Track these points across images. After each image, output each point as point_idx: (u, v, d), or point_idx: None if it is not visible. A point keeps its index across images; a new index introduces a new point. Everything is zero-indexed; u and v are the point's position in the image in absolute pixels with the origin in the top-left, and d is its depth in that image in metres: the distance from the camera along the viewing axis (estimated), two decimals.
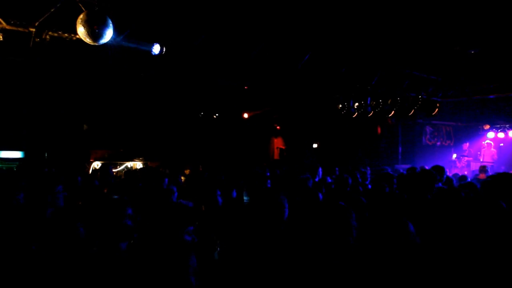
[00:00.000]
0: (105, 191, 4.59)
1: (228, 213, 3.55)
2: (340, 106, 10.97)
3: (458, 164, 12.33)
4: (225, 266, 2.54)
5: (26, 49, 4.96)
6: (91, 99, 10.80)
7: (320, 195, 3.81)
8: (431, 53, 7.37)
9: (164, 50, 5.75)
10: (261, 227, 2.61)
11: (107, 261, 2.21)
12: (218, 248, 2.63)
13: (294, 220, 2.73)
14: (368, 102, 10.22)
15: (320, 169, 6.36)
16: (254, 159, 12.60)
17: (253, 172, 6.17)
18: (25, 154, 9.94)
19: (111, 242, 2.31)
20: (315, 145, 14.70)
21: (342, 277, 2.05)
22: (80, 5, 4.32)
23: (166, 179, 4.93)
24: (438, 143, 13.53)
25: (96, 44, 4.39)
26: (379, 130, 13.09)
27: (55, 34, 4.92)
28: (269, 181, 5.71)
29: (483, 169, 8.25)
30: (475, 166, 11.38)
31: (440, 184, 4.28)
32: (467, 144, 12.88)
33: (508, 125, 12.46)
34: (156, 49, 5.70)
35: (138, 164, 11.35)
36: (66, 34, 4.93)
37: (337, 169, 7.10)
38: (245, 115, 14.17)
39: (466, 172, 9.39)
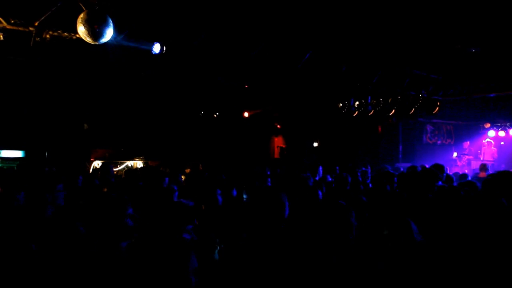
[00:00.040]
0: (105, 190, 4.59)
1: (228, 212, 3.55)
2: (341, 105, 10.97)
3: (458, 163, 12.32)
4: (225, 265, 2.55)
5: (26, 48, 4.96)
6: (91, 99, 10.80)
7: (320, 194, 3.81)
8: (432, 51, 7.36)
9: (164, 49, 5.75)
10: (262, 226, 2.61)
11: (107, 261, 2.21)
12: (218, 247, 2.64)
13: (294, 218, 2.73)
14: (369, 101, 10.21)
15: (321, 168, 6.37)
16: (254, 158, 12.60)
17: (253, 171, 6.17)
18: (26, 153, 9.96)
19: (111, 241, 2.32)
20: (315, 144, 14.69)
21: (342, 275, 2.06)
22: (81, 4, 4.32)
23: (167, 179, 4.94)
24: (439, 142, 13.52)
25: (96, 43, 4.39)
26: (379, 129, 13.08)
27: (56, 34, 4.92)
28: (269, 179, 5.72)
29: (483, 167, 8.24)
30: (475, 165, 11.37)
31: (440, 183, 4.28)
32: (468, 142, 12.87)
33: (508, 124, 12.45)
34: (156, 48, 5.70)
35: (139, 163, 11.36)
36: (66, 34, 4.93)
37: (337, 168, 7.10)
38: (246, 114, 14.17)
39: (466, 171, 9.37)
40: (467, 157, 12.39)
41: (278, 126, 15.94)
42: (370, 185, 5.99)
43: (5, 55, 5.45)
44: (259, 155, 14.35)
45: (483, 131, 13.00)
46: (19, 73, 7.94)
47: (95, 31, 4.24)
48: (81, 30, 4.25)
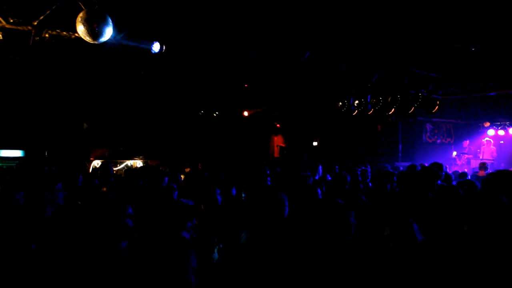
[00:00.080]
0: (104, 189, 4.58)
1: (227, 211, 3.55)
2: (340, 104, 10.95)
3: (458, 162, 12.33)
4: (224, 264, 2.55)
5: (26, 48, 4.95)
6: (91, 98, 10.79)
7: (319, 193, 3.81)
8: (431, 50, 7.35)
9: (164, 48, 5.74)
10: (261, 225, 2.61)
11: (107, 260, 2.21)
12: (217, 247, 2.64)
13: (294, 217, 2.73)
14: (368, 99, 10.20)
15: (320, 167, 6.36)
16: (254, 157, 12.60)
17: (252, 171, 6.17)
18: (25, 153, 9.95)
19: (111, 241, 2.32)
20: (315, 143, 14.69)
21: (342, 275, 2.05)
22: (80, 3, 4.31)
23: (166, 178, 4.94)
24: (438, 141, 13.52)
25: (96, 42, 4.38)
26: (379, 127, 13.08)
27: (55, 33, 4.91)
28: (268, 178, 5.71)
29: (482, 166, 8.25)
30: (475, 164, 11.37)
31: (439, 182, 4.28)
32: (467, 141, 12.88)
33: (508, 122, 12.45)
34: (156, 47, 5.69)
35: (138, 163, 11.35)
36: (65, 33, 4.92)
37: (336, 167, 7.10)
38: (245, 113, 14.16)
39: (466, 170, 9.38)
40: (466, 156, 12.40)
41: (278, 125, 15.93)
42: (370, 184, 5.99)
43: (5, 54, 5.44)
44: (259, 154, 14.35)
45: (482, 130, 13.00)
46: (19, 72, 7.92)
47: (95, 30, 4.24)
48: (81, 29, 4.24)
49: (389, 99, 9.77)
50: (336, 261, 2.09)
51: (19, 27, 4.70)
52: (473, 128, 13.41)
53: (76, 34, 4.48)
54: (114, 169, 9.92)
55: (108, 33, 4.36)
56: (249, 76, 8.79)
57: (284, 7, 5.42)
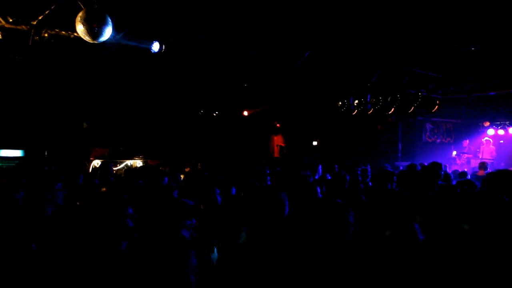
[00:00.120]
0: (104, 190, 4.58)
1: (227, 211, 3.55)
2: (340, 103, 10.96)
3: (458, 161, 12.33)
4: (224, 264, 2.55)
5: (25, 47, 4.95)
6: (90, 97, 10.78)
7: (319, 191, 3.81)
8: (431, 50, 7.35)
9: (163, 48, 5.74)
10: (262, 224, 2.61)
11: (107, 260, 2.21)
12: (216, 247, 2.63)
13: (293, 217, 2.73)
14: (368, 99, 10.21)
15: (320, 166, 6.36)
16: (254, 157, 12.60)
17: (252, 170, 6.17)
18: (25, 152, 9.95)
19: (111, 241, 2.31)
20: (315, 143, 14.69)
21: (341, 274, 2.06)
22: (79, 3, 4.31)
23: (166, 178, 4.93)
24: (438, 140, 13.53)
25: (95, 42, 4.38)
26: (379, 127, 13.08)
27: (54, 32, 4.91)
28: (268, 178, 5.71)
29: (482, 165, 8.24)
30: (475, 163, 11.37)
31: (439, 181, 4.28)
32: (467, 141, 12.88)
33: (508, 122, 12.44)
34: (155, 47, 5.68)
35: (138, 162, 11.35)
36: (64, 32, 4.92)
37: (336, 166, 7.10)
38: (245, 113, 14.16)
39: (466, 169, 9.38)
40: (466, 155, 12.40)
41: (278, 125, 15.93)
42: (370, 183, 5.99)
43: (4, 54, 5.43)
44: (258, 154, 14.35)
45: (482, 130, 13.00)
46: (18, 72, 7.92)
47: (94, 30, 4.23)
48: (80, 29, 4.24)
49: (389, 98, 9.78)
50: (335, 260, 2.09)
51: (18, 27, 4.70)
52: (472, 127, 13.41)
53: (76, 34, 4.47)
54: (114, 168, 9.92)
55: (107, 32, 4.36)
56: (249, 75, 8.79)
57: (284, 6, 5.42)
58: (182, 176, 6.20)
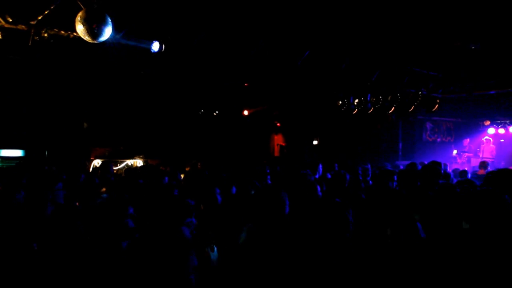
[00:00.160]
0: (104, 190, 4.58)
1: (227, 210, 3.55)
2: (340, 102, 10.95)
3: (458, 160, 12.32)
4: (224, 263, 2.55)
5: (25, 47, 4.95)
6: (91, 97, 10.79)
7: (319, 190, 3.81)
8: (431, 49, 7.34)
9: (163, 48, 5.74)
10: (262, 224, 2.61)
11: (108, 260, 2.21)
12: (216, 247, 2.64)
13: (294, 216, 2.73)
14: (368, 98, 10.20)
15: (321, 165, 6.35)
16: (254, 156, 12.60)
17: (253, 170, 6.17)
18: (26, 152, 9.96)
19: (112, 240, 2.32)
20: (315, 142, 14.69)
21: (340, 272, 2.06)
22: (79, 2, 4.30)
23: (166, 177, 4.94)
24: (439, 139, 13.52)
25: (95, 42, 4.37)
26: (379, 126, 13.08)
27: (54, 32, 4.91)
28: (269, 177, 5.71)
29: (482, 165, 8.24)
30: (475, 162, 11.37)
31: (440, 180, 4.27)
32: (468, 140, 12.87)
33: (508, 121, 12.44)
34: (155, 46, 5.68)
35: (139, 162, 11.36)
36: (63, 32, 4.92)
37: (336, 165, 7.09)
38: (245, 112, 14.16)
39: (466, 168, 9.38)
40: (467, 154, 12.39)
41: (278, 124, 15.94)
42: (370, 182, 5.99)
43: (4, 54, 5.44)
44: (259, 153, 14.36)
45: (483, 129, 12.99)
46: (18, 72, 7.92)
47: (94, 30, 4.23)
48: (80, 29, 4.24)
49: (389, 98, 9.77)
50: (334, 259, 2.09)
51: (18, 27, 4.70)
52: (473, 126, 13.40)
53: (75, 34, 4.47)
54: (114, 168, 9.92)
55: (107, 32, 4.36)
56: (249, 75, 8.79)
57: (284, 6, 5.41)
58: (182, 176, 6.20)
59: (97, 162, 10.28)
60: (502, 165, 11.38)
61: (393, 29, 6.28)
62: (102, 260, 2.23)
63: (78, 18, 4.20)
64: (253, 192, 4.12)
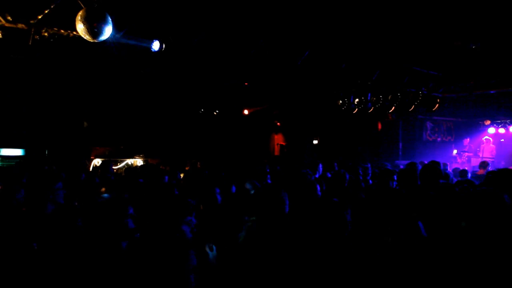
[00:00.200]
0: (103, 190, 4.58)
1: (227, 210, 3.55)
2: (340, 102, 10.95)
3: (458, 160, 12.32)
4: (223, 263, 2.55)
5: (25, 46, 4.94)
6: (91, 96, 10.79)
7: (319, 190, 3.81)
8: (432, 48, 7.34)
9: (163, 47, 5.74)
10: (261, 223, 2.62)
11: (108, 260, 2.21)
12: (216, 246, 2.64)
13: (293, 216, 2.74)
14: (369, 98, 10.20)
15: (321, 165, 6.35)
16: (254, 156, 12.60)
17: (253, 169, 6.17)
18: (26, 151, 9.96)
19: (111, 240, 2.32)
20: (315, 142, 14.69)
21: (338, 271, 2.06)
22: (79, 2, 4.30)
23: (166, 177, 4.94)
24: (439, 139, 13.51)
25: (95, 41, 4.37)
26: (379, 126, 13.07)
27: (54, 31, 4.91)
28: (269, 176, 5.71)
29: (482, 165, 8.24)
30: (475, 162, 11.37)
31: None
32: (468, 139, 12.87)
33: (509, 121, 12.43)
34: (155, 45, 5.68)
35: (139, 161, 11.36)
36: (63, 31, 4.92)
37: (335, 164, 7.10)
38: (245, 112, 14.16)
39: (466, 168, 9.38)
40: (467, 154, 12.39)
41: (278, 123, 15.93)
42: (370, 181, 6.00)
43: (4, 53, 5.43)
44: (259, 152, 14.36)
45: (483, 128, 12.98)
46: (18, 71, 7.92)
47: (94, 29, 4.23)
48: (80, 28, 4.23)
49: (389, 97, 9.77)
50: (333, 258, 2.10)
51: (18, 26, 4.70)
52: (473, 126, 13.39)
53: (76, 33, 4.47)
54: (115, 167, 9.93)
55: (107, 31, 4.35)
56: (249, 74, 8.79)
57: (284, 5, 5.41)
58: (182, 175, 6.21)
59: (97, 161, 10.29)
60: (502, 165, 11.37)
61: (393, 28, 6.28)
62: (102, 260, 2.23)
63: (78, 17, 4.20)
64: (252, 192, 4.12)
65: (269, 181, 5.64)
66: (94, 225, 2.40)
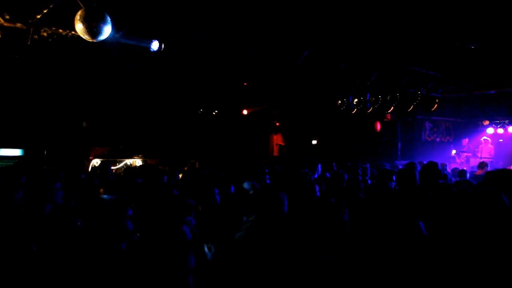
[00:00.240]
0: (101, 191, 4.57)
1: (226, 210, 3.55)
2: (340, 102, 10.96)
3: (457, 160, 12.34)
4: (222, 263, 2.55)
5: (24, 46, 4.94)
6: (90, 96, 10.78)
7: (318, 190, 3.81)
8: (431, 48, 7.35)
9: (163, 47, 5.73)
10: (260, 223, 2.62)
11: (106, 261, 2.21)
12: (214, 247, 2.64)
13: (292, 215, 2.74)
14: (368, 98, 10.21)
15: (320, 165, 6.35)
16: (253, 156, 12.60)
17: (252, 169, 6.16)
18: (25, 151, 9.94)
19: (110, 242, 2.31)
20: (314, 142, 14.70)
21: (336, 271, 2.06)
22: (79, 1, 4.30)
23: (166, 177, 4.93)
24: (438, 139, 13.53)
25: (94, 41, 4.37)
26: (378, 126, 13.08)
27: (53, 31, 4.90)
28: (267, 176, 5.71)
29: (481, 165, 8.25)
30: (474, 162, 11.39)
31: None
32: (467, 140, 12.88)
33: (507, 121, 12.44)
34: (155, 45, 5.67)
35: (138, 162, 11.35)
36: (62, 30, 4.91)
37: (334, 164, 7.10)
38: (245, 112, 14.16)
39: (465, 168, 9.40)
40: (465, 154, 12.40)
41: (277, 124, 15.94)
42: (369, 181, 6.00)
43: (3, 53, 5.42)
44: (258, 153, 14.36)
45: (481, 129, 13.00)
46: (17, 71, 7.91)
47: (93, 29, 4.22)
48: (79, 28, 4.23)
49: (388, 97, 9.78)
50: (330, 258, 2.10)
51: (17, 26, 4.69)
52: (472, 126, 13.41)
53: (75, 33, 4.46)
54: (113, 168, 9.92)
55: (106, 31, 4.35)
56: (248, 74, 8.79)
57: (283, 5, 5.41)
58: (180, 175, 6.20)
59: (96, 162, 10.28)
60: (500, 165, 11.39)
61: (392, 28, 6.28)
62: (101, 261, 2.23)
63: (77, 16, 4.20)
64: (251, 192, 4.12)
65: (268, 181, 5.64)
66: (92, 226, 2.40)
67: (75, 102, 10.88)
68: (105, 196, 4.07)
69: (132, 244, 2.29)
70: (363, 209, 3.43)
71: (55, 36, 4.97)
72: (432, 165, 4.62)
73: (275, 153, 15.96)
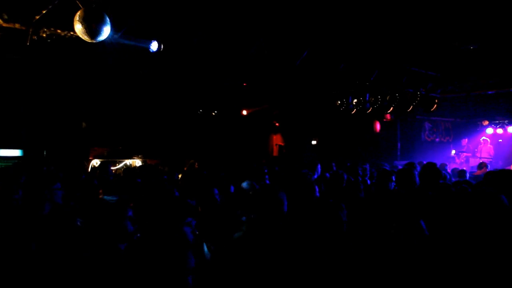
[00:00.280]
0: (100, 191, 4.57)
1: (225, 210, 3.55)
2: (339, 102, 10.97)
3: (457, 160, 12.35)
4: (221, 263, 2.55)
5: (23, 47, 4.94)
6: (89, 97, 10.77)
7: (317, 190, 3.81)
8: (430, 48, 7.35)
9: (162, 47, 5.73)
10: (260, 223, 2.62)
11: (106, 261, 2.21)
12: (214, 247, 2.64)
13: (291, 215, 2.74)
14: (367, 98, 10.22)
15: (319, 165, 6.36)
16: (253, 156, 12.61)
17: (251, 169, 6.16)
18: (24, 152, 9.93)
19: (110, 242, 2.31)
20: (314, 142, 14.70)
21: (334, 271, 2.06)
22: (78, 2, 4.30)
23: (166, 177, 4.93)
24: (437, 139, 13.54)
25: (93, 41, 4.37)
26: (378, 126, 13.09)
27: (51, 31, 4.90)
28: (267, 176, 5.71)
29: (480, 165, 8.26)
30: (473, 162, 11.40)
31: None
32: (466, 140, 12.90)
33: (507, 121, 12.46)
34: (154, 46, 5.68)
35: (137, 162, 11.34)
36: (61, 31, 4.91)
37: (333, 164, 7.10)
38: (244, 112, 14.16)
39: (465, 168, 9.40)
40: (465, 154, 12.41)
41: (277, 124, 15.94)
42: (369, 182, 6.00)
43: (2, 53, 5.42)
44: (257, 153, 14.36)
45: (481, 129, 13.01)
46: (16, 71, 7.91)
47: (92, 29, 4.22)
48: (78, 28, 4.23)
49: (388, 97, 9.79)
50: (327, 257, 2.11)
51: (16, 26, 4.69)
52: (471, 126, 13.42)
53: (74, 33, 4.46)
54: (113, 168, 9.92)
55: (105, 32, 4.35)
56: (247, 75, 8.79)
57: (282, 5, 5.41)
58: (180, 176, 6.19)
59: (95, 162, 10.27)
60: (499, 165, 11.41)
61: (391, 28, 6.29)
62: (100, 261, 2.23)
63: (76, 17, 4.20)
64: (251, 192, 4.12)
65: (267, 181, 5.64)
66: (93, 226, 2.40)
67: (74, 103, 10.88)
68: (105, 196, 4.07)
69: (131, 245, 2.29)
70: (363, 209, 3.43)
71: (54, 37, 4.97)
72: (432, 165, 4.62)
73: (275, 153, 15.97)
